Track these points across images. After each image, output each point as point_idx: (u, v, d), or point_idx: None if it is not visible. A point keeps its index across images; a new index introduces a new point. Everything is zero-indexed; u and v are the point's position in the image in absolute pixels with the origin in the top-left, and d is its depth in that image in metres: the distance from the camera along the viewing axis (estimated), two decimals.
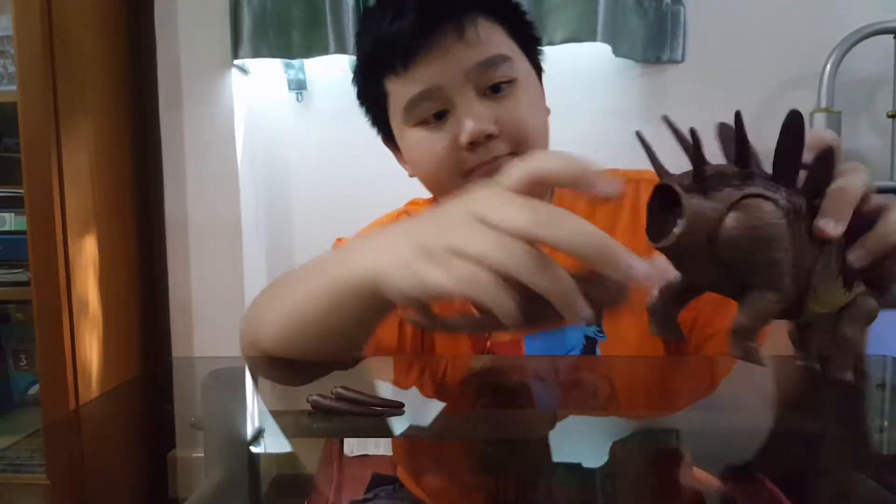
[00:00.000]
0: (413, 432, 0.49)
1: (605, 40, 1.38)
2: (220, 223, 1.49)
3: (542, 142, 0.72)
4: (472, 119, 0.66)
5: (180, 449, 0.49)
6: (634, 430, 0.51)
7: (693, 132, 0.38)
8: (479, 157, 0.67)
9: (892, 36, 1.34)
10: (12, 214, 1.35)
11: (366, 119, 0.79)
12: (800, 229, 0.37)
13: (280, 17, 1.44)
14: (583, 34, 1.38)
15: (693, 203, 0.37)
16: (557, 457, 0.47)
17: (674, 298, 0.43)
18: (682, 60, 1.45)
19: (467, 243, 0.36)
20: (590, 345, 0.72)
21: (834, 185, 0.39)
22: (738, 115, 0.39)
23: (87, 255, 1.32)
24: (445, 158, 0.68)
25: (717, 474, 0.56)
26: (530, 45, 0.74)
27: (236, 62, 1.46)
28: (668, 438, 0.52)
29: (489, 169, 0.67)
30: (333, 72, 1.53)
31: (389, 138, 0.78)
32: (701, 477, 0.50)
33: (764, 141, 1.47)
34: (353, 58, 0.77)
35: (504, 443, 0.49)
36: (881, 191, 1.37)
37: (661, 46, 1.43)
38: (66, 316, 1.25)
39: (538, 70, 0.76)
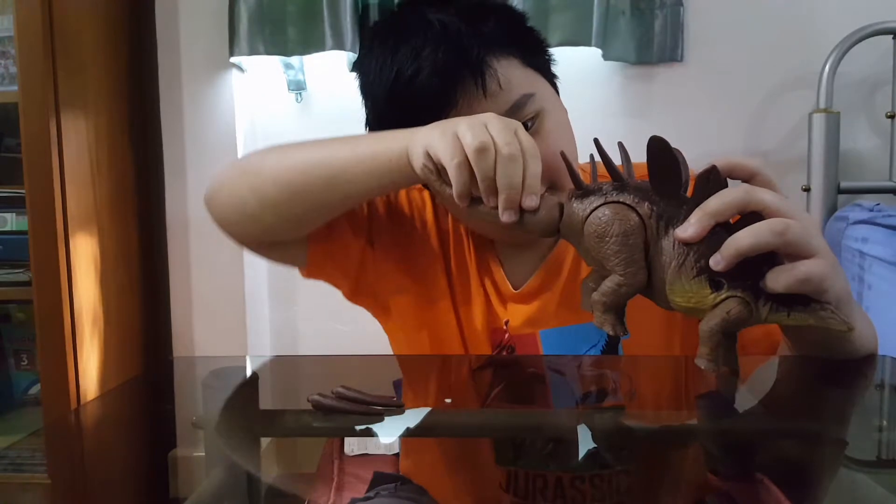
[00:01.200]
0: (413, 432, 0.49)
1: (598, 44, 1.39)
2: None
3: (575, 163, 0.70)
4: None
5: (181, 448, 0.49)
6: (641, 429, 0.51)
7: (591, 156, 0.53)
8: None
9: (891, 36, 1.34)
10: (13, 214, 1.35)
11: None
12: (666, 232, 0.47)
13: (276, 13, 1.43)
14: (578, 38, 1.38)
15: (572, 204, 0.51)
16: (564, 452, 0.48)
17: (596, 284, 0.52)
18: (682, 60, 1.45)
19: (463, 130, 0.53)
20: (612, 341, 0.72)
21: (707, 200, 0.46)
22: (596, 142, 0.50)
23: (87, 254, 1.32)
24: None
25: (717, 474, 0.56)
26: (543, 62, 0.73)
27: (233, 60, 1.45)
28: (673, 438, 0.52)
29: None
30: (333, 72, 1.53)
31: None
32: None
33: (763, 141, 1.47)
34: (358, 86, 0.72)
35: (511, 438, 0.49)
36: (880, 191, 1.37)
37: (661, 46, 1.43)
38: (67, 316, 1.25)
39: (552, 79, 0.75)
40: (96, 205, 1.35)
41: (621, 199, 0.48)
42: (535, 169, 0.52)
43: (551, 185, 0.66)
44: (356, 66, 0.72)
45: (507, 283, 0.75)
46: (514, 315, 0.74)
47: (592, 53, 1.42)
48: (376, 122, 0.71)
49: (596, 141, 0.51)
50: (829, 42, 1.33)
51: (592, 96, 1.50)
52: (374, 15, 1.44)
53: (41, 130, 1.21)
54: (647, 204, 0.48)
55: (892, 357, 0.66)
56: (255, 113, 1.57)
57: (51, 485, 0.42)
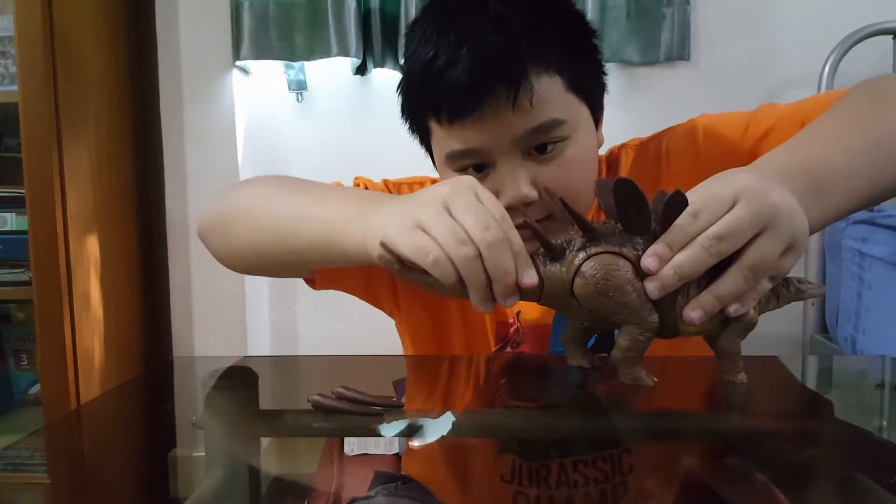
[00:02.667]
0: (414, 431, 0.49)
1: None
2: None
3: (585, 199, 0.68)
4: (511, 185, 0.63)
5: (181, 448, 0.49)
6: (640, 429, 0.51)
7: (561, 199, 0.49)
8: (513, 218, 0.63)
9: (890, 36, 1.34)
10: (13, 214, 1.35)
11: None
12: None
13: (282, 19, 1.44)
14: None
15: (549, 270, 0.48)
16: (566, 451, 0.48)
17: (578, 334, 0.54)
18: (689, 59, 1.45)
19: (429, 222, 0.48)
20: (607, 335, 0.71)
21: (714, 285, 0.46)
22: (562, 200, 0.48)
23: (88, 254, 1.32)
24: None
25: (717, 474, 0.56)
26: (591, 89, 0.69)
27: (237, 63, 1.46)
28: (672, 437, 0.52)
29: (527, 235, 0.66)
30: (333, 73, 1.53)
31: None
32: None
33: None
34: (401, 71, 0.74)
35: (513, 438, 0.49)
36: None
37: (668, 46, 1.44)
38: (67, 315, 1.25)
39: (598, 111, 0.71)
40: (96, 205, 1.35)
41: (604, 249, 0.47)
42: (518, 239, 0.48)
43: (551, 214, 0.65)
44: (408, 31, 0.69)
45: None
46: (528, 305, 0.73)
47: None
48: (405, 101, 0.70)
49: (561, 200, 0.48)
50: (829, 42, 1.33)
51: None
52: (375, 20, 1.45)
53: (41, 130, 1.21)
54: (629, 245, 0.47)
55: (892, 357, 0.66)
56: (255, 113, 1.57)
57: (51, 485, 0.42)
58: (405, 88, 0.69)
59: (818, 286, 0.51)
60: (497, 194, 0.62)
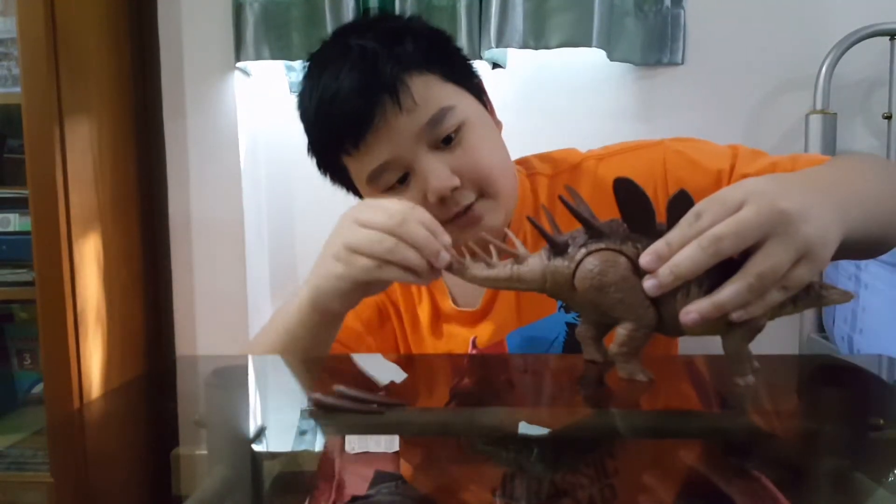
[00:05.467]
0: (414, 431, 0.50)
1: (600, 45, 1.38)
2: (223, 223, 1.50)
3: (506, 173, 0.74)
4: (433, 178, 0.68)
5: (184, 447, 0.49)
6: (638, 427, 0.52)
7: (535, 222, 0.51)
8: (449, 210, 0.70)
9: (887, 38, 1.34)
10: (17, 215, 1.35)
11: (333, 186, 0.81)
12: None
13: (280, 18, 1.44)
14: (578, 39, 1.38)
15: (552, 263, 0.50)
16: (562, 452, 0.48)
17: (592, 329, 0.54)
18: (682, 63, 1.45)
19: (350, 240, 0.57)
20: (572, 332, 0.73)
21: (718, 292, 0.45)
22: (562, 199, 0.50)
23: (90, 255, 1.33)
24: None
25: (717, 474, 0.57)
26: (466, 77, 0.75)
27: (238, 64, 1.46)
28: (671, 437, 0.52)
29: (464, 220, 0.71)
30: None
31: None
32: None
33: (760, 142, 1.48)
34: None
35: (508, 439, 0.49)
36: None
37: (662, 49, 1.44)
38: (70, 315, 1.26)
39: (481, 95, 0.77)
40: (99, 205, 1.36)
41: (604, 246, 0.48)
42: (423, 213, 0.57)
43: (481, 193, 0.71)
44: (297, 97, 0.78)
45: (459, 307, 0.80)
46: (480, 331, 0.78)
47: (599, 55, 1.42)
48: (311, 145, 0.77)
49: (560, 198, 0.51)
50: (825, 44, 1.34)
51: (593, 98, 1.51)
52: None
53: (44, 132, 1.22)
54: (630, 243, 0.47)
55: (892, 357, 0.66)
56: (256, 114, 1.57)
57: (54, 483, 0.43)
58: (310, 146, 0.77)
59: (843, 292, 0.48)
60: (424, 196, 0.69)
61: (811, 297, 0.48)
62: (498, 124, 0.78)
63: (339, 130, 0.70)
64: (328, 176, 0.79)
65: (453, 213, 0.70)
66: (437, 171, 0.68)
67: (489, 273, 0.53)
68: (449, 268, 0.55)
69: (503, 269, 0.52)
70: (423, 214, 0.56)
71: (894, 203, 0.58)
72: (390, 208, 0.56)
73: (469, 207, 0.70)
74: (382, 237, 0.55)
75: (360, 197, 0.78)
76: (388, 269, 0.56)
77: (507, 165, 0.76)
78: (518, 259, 0.52)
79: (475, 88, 0.76)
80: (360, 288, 0.60)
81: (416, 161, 0.69)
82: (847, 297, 0.48)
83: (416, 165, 0.69)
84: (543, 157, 0.83)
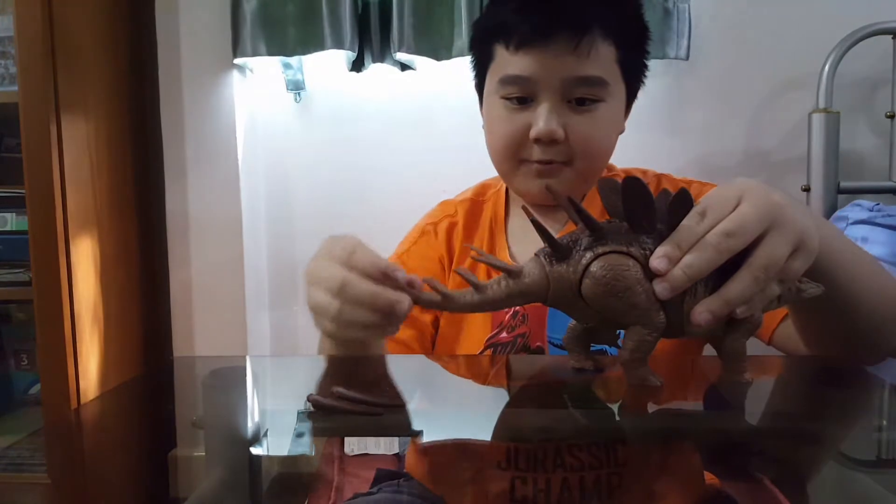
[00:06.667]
0: (414, 431, 0.49)
1: None
2: (220, 222, 1.49)
3: (601, 161, 0.79)
4: (546, 119, 0.72)
5: (181, 448, 0.49)
6: (642, 428, 0.51)
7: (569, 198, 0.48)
8: (538, 154, 0.75)
9: (890, 36, 1.34)
10: (13, 214, 1.35)
11: (471, 70, 0.84)
12: None
13: (276, 13, 1.43)
14: None
15: (555, 270, 0.46)
16: (563, 452, 0.48)
17: (582, 335, 0.53)
18: (687, 58, 1.45)
19: (309, 299, 0.52)
20: None
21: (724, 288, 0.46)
22: (569, 199, 0.47)
23: (87, 254, 1.32)
24: (510, 141, 0.76)
25: (717, 474, 0.56)
26: (635, 73, 0.79)
27: (236, 61, 1.45)
28: (671, 437, 0.52)
29: (542, 169, 0.75)
30: (332, 72, 1.53)
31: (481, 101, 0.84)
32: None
33: (763, 141, 1.47)
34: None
35: (516, 438, 0.49)
36: (880, 191, 1.37)
37: (668, 43, 1.43)
38: (67, 316, 1.25)
39: (632, 98, 0.81)
40: (96, 205, 1.35)
41: (613, 249, 0.46)
42: (358, 278, 0.50)
43: (571, 162, 0.75)
44: None
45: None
46: None
47: None
48: (480, 27, 0.80)
49: (568, 198, 0.48)
50: (828, 42, 1.33)
51: None
52: (373, 14, 1.44)
53: (41, 130, 1.21)
54: (636, 245, 0.46)
55: (892, 357, 0.66)
56: (254, 113, 1.57)
57: (51, 485, 0.42)
58: (483, 17, 0.80)
59: (817, 285, 0.50)
60: (529, 127, 0.74)
61: (792, 291, 0.49)
62: (621, 127, 0.82)
63: (516, 24, 0.72)
64: (472, 57, 0.83)
65: (536, 159, 0.75)
66: (552, 117, 0.72)
67: (482, 297, 0.47)
68: (429, 305, 0.49)
69: (497, 288, 0.47)
70: (366, 259, 0.50)
71: (844, 248, 0.59)
72: (327, 271, 0.51)
73: (551, 163, 0.75)
74: (329, 302, 0.50)
75: (480, 93, 0.83)
76: (347, 330, 0.51)
77: (605, 160, 0.81)
78: (512, 274, 0.47)
79: (632, 88, 0.80)
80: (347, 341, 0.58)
81: (544, 96, 0.73)
82: (820, 289, 0.50)
83: (542, 100, 0.73)
84: (628, 171, 0.88)
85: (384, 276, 0.49)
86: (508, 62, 0.74)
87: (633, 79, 0.79)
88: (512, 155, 0.77)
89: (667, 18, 1.42)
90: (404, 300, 0.48)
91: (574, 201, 0.47)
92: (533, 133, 0.73)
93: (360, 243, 0.52)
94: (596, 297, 0.45)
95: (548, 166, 0.75)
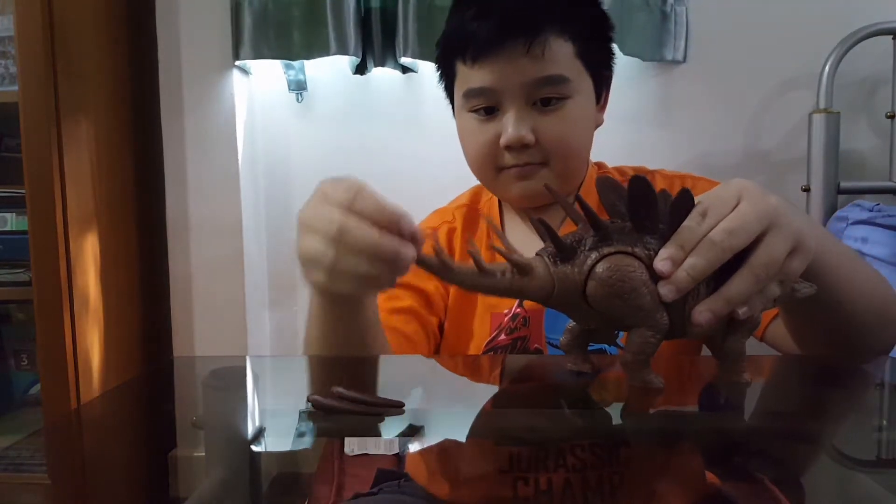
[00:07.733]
0: (414, 431, 0.49)
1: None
2: (221, 223, 1.49)
3: (578, 158, 0.80)
4: (514, 126, 0.73)
5: (181, 448, 0.49)
6: (641, 428, 0.51)
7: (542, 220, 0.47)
8: (512, 159, 0.76)
9: (890, 37, 1.34)
10: (13, 214, 1.35)
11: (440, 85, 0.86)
12: None
13: (281, 17, 1.43)
14: None
15: (559, 271, 0.45)
16: (565, 452, 0.48)
17: (580, 337, 0.52)
18: (684, 61, 1.45)
19: (300, 248, 0.51)
20: None
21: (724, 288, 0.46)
22: (578, 198, 0.46)
23: (88, 254, 1.32)
24: (484, 151, 0.77)
25: (717, 474, 0.56)
26: (598, 66, 0.79)
27: (237, 63, 1.46)
28: (671, 437, 0.52)
29: (520, 172, 0.76)
30: (333, 73, 1.53)
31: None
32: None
33: (763, 141, 1.48)
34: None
35: (514, 440, 0.49)
36: (880, 191, 1.37)
37: (665, 46, 1.43)
38: (67, 315, 1.25)
39: (601, 88, 0.81)
40: (96, 205, 1.35)
41: (617, 249, 0.45)
42: (358, 222, 0.47)
43: (546, 163, 0.76)
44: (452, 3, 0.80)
45: None
46: None
47: None
48: (440, 47, 0.81)
49: (577, 196, 0.47)
50: (829, 42, 1.33)
51: None
52: (375, 19, 1.45)
53: (41, 130, 1.21)
54: (640, 246, 0.45)
55: (892, 357, 0.66)
56: (255, 113, 1.57)
57: (51, 485, 0.42)
58: (443, 38, 0.81)
59: (809, 284, 0.50)
60: (499, 136, 0.75)
61: (786, 292, 0.49)
62: (598, 120, 0.82)
63: (468, 42, 0.74)
64: (439, 74, 0.84)
65: (512, 164, 0.76)
66: (520, 123, 0.73)
67: (482, 280, 0.45)
68: (427, 267, 0.46)
69: (501, 278, 0.46)
70: (369, 203, 0.47)
71: (833, 249, 0.60)
72: (324, 215, 0.48)
73: (528, 165, 0.75)
74: (325, 249, 0.47)
75: (452, 105, 0.84)
76: (340, 282, 0.48)
77: (583, 156, 0.82)
78: (522, 270, 0.45)
79: (600, 79, 0.80)
80: (336, 294, 0.55)
81: (509, 103, 0.74)
82: (813, 289, 0.51)
83: (507, 107, 0.74)
84: (620, 169, 0.89)
85: (389, 223, 0.46)
86: (469, 76, 0.76)
87: (599, 70, 0.79)
88: (489, 165, 0.78)
89: (664, 22, 1.42)
90: (410, 250, 0.46)
91: (582, 200, 0.47)
92: (503, 141, 0.74)
93: (363, 186, 0.48)
94: (601, 298, 0.45)
95: (525, 168, 0.76)
